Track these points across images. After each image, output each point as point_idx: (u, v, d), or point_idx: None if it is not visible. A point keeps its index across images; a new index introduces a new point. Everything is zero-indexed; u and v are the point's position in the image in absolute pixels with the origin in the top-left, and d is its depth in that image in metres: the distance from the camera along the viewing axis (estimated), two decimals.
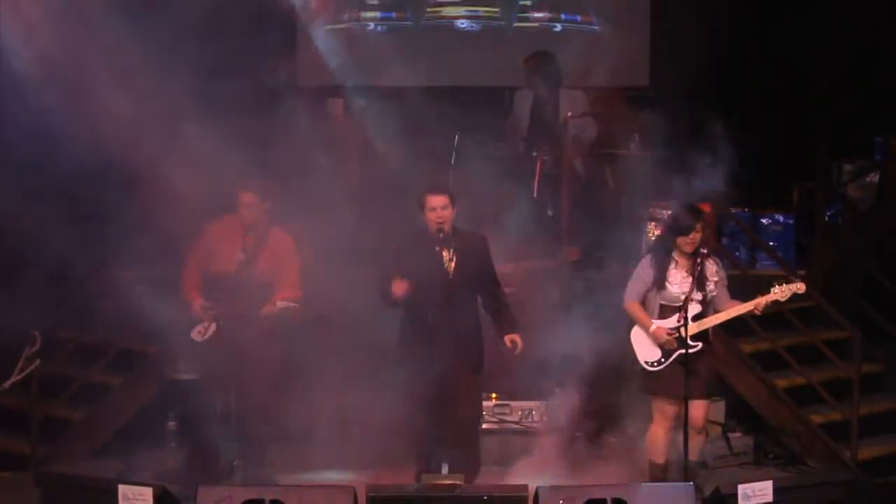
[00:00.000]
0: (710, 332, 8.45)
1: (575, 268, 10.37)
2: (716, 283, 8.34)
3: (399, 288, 8.30)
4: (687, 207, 8.46)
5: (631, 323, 8.52)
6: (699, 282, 8.28)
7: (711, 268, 8.37)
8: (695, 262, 8.29)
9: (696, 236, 8.28)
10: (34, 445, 9.54)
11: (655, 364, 8.39)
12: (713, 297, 8.35)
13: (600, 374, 9.68)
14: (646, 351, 8.44)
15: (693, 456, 8.45)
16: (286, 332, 8.85)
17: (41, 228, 9.19)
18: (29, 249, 9.36)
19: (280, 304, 8.63)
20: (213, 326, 8.74)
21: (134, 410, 9.82)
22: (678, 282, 8.34)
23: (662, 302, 8.39)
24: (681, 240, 8.29)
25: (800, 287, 8.13)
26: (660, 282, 8.36)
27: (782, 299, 8.18)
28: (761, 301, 8.18)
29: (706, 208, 8.57)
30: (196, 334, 8.77)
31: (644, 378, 8.51)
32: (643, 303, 8.46)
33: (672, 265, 8.36)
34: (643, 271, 8.45)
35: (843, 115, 10.85)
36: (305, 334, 9.20)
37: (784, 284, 8.15)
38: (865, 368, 9.81)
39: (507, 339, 8.54)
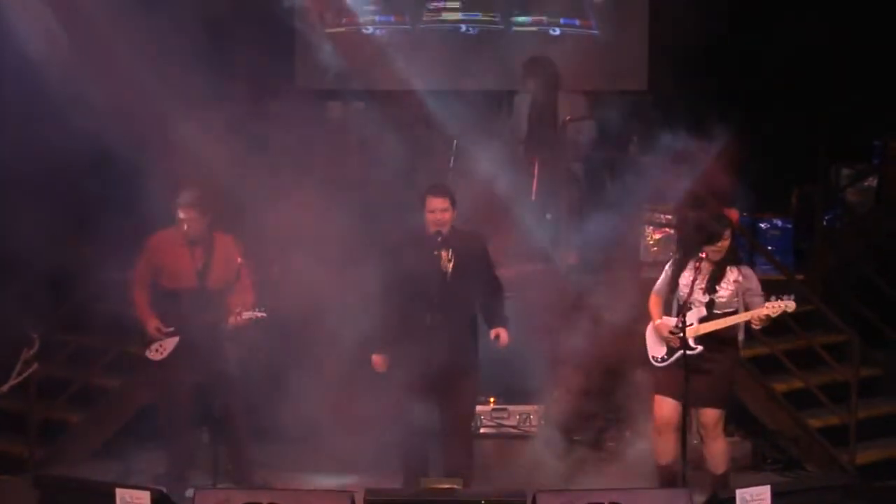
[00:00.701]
0: (739, 338, 8.44)
1: (573, 271, 10.37)
2: (732, 291, 8.30)
3: (378, 364, 8.48)
4: (715, 215, 8.42)
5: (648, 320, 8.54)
6: (709, 285, 8.27)
7: (731, 275, 8.33)
8: (697, 266, 8.26)
9: (724, 244, 8.26)
10: (32, 448, 9.54)
11: (660, 360, 8.39)
12: (722, 301, 8.31)
13: (599, 377, 9.70)
14: (655, 346, 8.45)
15: (717, 468, 8.45)
16: (256, 339, 8.85)
17: (39, 230, 9.17)
18: (27, 251, 9.34)
19: (246, 314, 8.61)
20: (171, 343, 8.72)
21: (132, 413, 9.82)
22: (686, 283, 8.33)
23: (680, 302, 8.38)
24: (708, 248, 8.25)
25: (789, 306, 8.11)
26: (672, 282, 8.36)
27: (773, 315, 8.15)
28: (754, 314, 8.17)
29: (733, 215, 8.51)
30: (153, 353, 8.75)
31: (650, 374, 8.50)
32: (669, 300, 8.46)
33: (688, 267, 8.32)
34: (668, 269, 8.48)
35: (841, 118, 10.85)
36: (300, 337, 9.23)
37: (776, 301, 8.13)
38: (864, 372, 9.81)
39: (492, 332, 8.56)
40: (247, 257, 8.85)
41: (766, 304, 8.12)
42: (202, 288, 8.70)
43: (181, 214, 8.72)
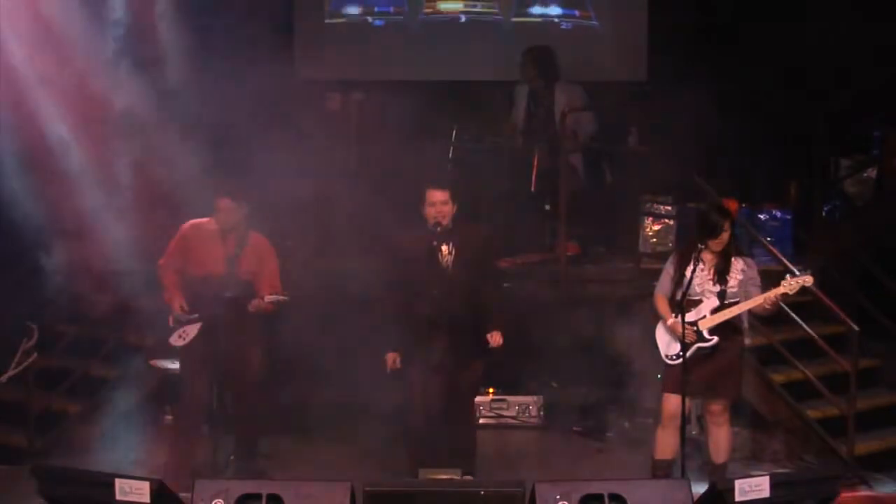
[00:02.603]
0: (745, 327, 8.42)
1: (573, 262, 10.37)
2: (740, 281, 8.29)
3: (391, 362, 8.47)
4: (715, 207, 8.40)
5: (657, 319, 8.50)
6: (718, 276, 8.26)
7: (737, 265, 8.32)
8: (701, 258, 8.25)
9: (725, 236, 8.24)
10: (31, 438, 9.54)
11: (675, 357, 8.35)
12: (733, 291, 8.30)
13: (598, 368, 9.71)
14: (668, 345, 8.41)
15: (719, 457, 8.46)
16: (274, 326, 8.83)
17: (38, 221, 9.17)
18: (25, 242, 9.34)
19: (269, 297, 8.58)
20: (193, 329, 8.70)
21: (131, 403, 9.81)
22: (692, 275, 8.30)
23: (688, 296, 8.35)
24: (710, 240, 8.24)
25: (807, 280, 8.10)
26: (677, 277, 8.33)
27: (791, 292, 8.14)
28: (770, 294, 8.16)
29: (732, 205, 8.47)
30: (177, 340, 8.72)
31: (663, 372, 8.48)
32: (674, 296, 8.42)
33: (692, 260, 8.29)
34: (668, 266, 8.44)
35: (840, 110, 10.84)
36: (303, 327, 9.21)
37: (792, 277, 8.14)
38: (863, 363, 9.80)
39: (488, 335, 8.52)
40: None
41: (783, 282, 8.11)
42: (229, 276, 8.67)
43: (219, 205, 8.69)
